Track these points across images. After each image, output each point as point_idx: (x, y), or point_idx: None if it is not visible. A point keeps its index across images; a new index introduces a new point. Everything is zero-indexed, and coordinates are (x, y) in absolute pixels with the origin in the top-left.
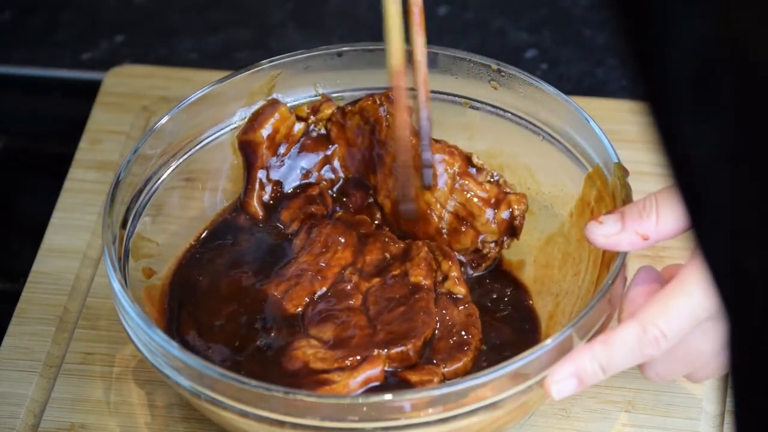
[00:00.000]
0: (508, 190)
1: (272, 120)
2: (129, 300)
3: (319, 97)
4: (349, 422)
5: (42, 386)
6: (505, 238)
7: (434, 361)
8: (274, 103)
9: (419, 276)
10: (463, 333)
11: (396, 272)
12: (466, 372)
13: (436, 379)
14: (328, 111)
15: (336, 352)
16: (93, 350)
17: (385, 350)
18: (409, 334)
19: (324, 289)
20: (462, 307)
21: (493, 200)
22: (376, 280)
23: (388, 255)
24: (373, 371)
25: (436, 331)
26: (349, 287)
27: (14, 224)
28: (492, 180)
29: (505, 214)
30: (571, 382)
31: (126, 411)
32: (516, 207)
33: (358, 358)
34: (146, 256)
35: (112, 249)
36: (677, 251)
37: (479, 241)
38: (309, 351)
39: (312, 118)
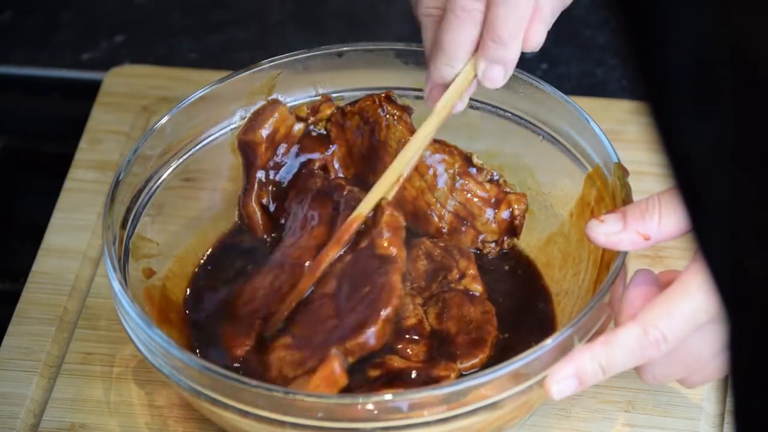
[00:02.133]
0: (508, 189)
1: (272, 120)
2: (129, 300)
3: (319, 97)
4: (349, 422)
5: (42, 386)
6: (506, 237)
7: (452, 358)
8: (273, 103)
9: (383, 244)
10: (480, 329)
11: (364, 244)
12: (483, 368)
13: (453, 375)
14: (327, 111)
15: (303, 352)
16: (93, 350)
17: (341, 346)
18: (367, 320)
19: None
20: (479, 304)
21: (493, 200)
22: (348, 258)
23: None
24: (330, 371)
25: (449, 326)
26: (325, 270)
27: (14, 224)
28: (492, 180)
29: (505, 214)
30: (572, 382)
31: (126, 411)
32: (516, 207)
33: (317, 359)
34: (146, 256)
35: (112, 249)
36: (677, 251)
37: (479, 240)
38: (282, 354)
39: (311, 118)
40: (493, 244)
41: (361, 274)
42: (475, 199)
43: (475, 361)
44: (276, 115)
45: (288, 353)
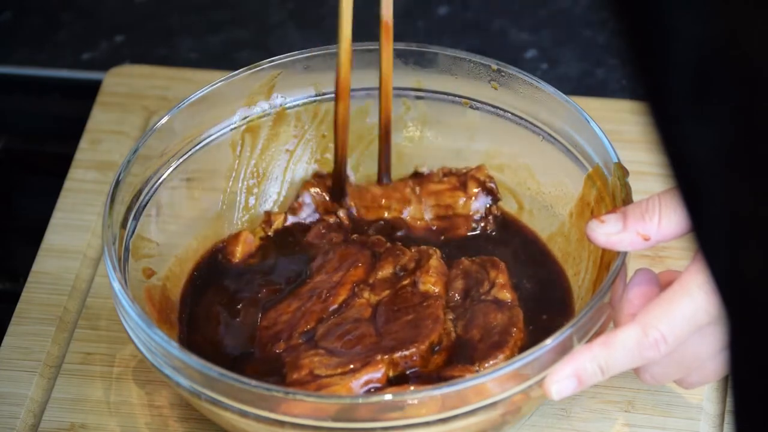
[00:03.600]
0: (464, 170)
1: (238, 249)
2: (129, 300)
3: (318, 98)
4: (349, 422)
5: (42, 386)
6: (490, 203)
7: (470, 361)
8: (237, 235)
9: (428, 284)
10: (503, 333)
11: (406, 282)
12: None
13: (467, 376)
14: (278, 221)
15: (341, 358)
16: (93, 350)
17: (388, 355)
18: (413, 339)
19: (335, 305)
20: (507, 310)
21: (457, 184)
22: (386, 293)
23: (399, 268)
24: (374, 374)
25: (475, 334)
26: (359, 302)
27: (14, 224)
28: (447, 174)
29: (474, 189)
30: (571, 383)
31: (126, 411)
32: (479, 176)
33: (361, 362)
34: (146, 256)
35: (112, 249)
36: (677, 251)
37: (473, 222)
38: (315, 359)
39: (269, 232)
40: (485, 216)
41: (403, 305)
42: (444, 194)
43: (495, 361)
44: (240, 244)
45: (323, 358)
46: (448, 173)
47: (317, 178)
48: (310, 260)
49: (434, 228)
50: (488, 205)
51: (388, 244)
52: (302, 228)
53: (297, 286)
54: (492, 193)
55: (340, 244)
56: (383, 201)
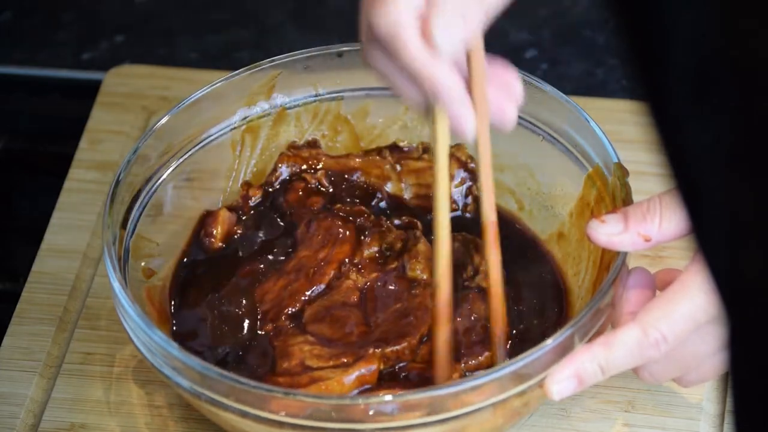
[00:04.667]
0: None
1: (218, 230)
2: (129, 300)
3: (318, 97)
4: (348, 423)
5: (42, 386)
6: (470, 184)
7: (456, 358)
8: (215, 214)
9: (416, 270)
10: (488, 327)
11: (393, 266)
12: (489, 366)
13: (455, 376)
14: (257, 196)
15: (332, 349)
16: (93, 350)
17: (380, 349)
18: (403, 332)
19: (323, 285)
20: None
21: None
22: (373, 275)
23: (384, 246)
24: (367, 369)
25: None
26: (346, 284)
27: (14, 224)
28: (426, 151)
29: (455, 168)
30: (571, 383)
31: (126, 411)
32: (460, 155)
33: (354, 356)
34: (146, 256)
35: (112, 249)
36: (677, 251)
37: (453, 203)
38: (306, 348)
39: (248, 207)
40: (468, 198)
41: (391, 293)
42: (426, 173)
43: (481, 359)
44: (220, 224)
45: (314, 347)
46: (428, 149)
47: (293, 149)
48: (292, 229)
49: (413, 206)
50: (469, 186)
51: (372, 217)
52: (280, 191)
53: (283, 260)
54: (472, 174)
55: (322, 214)
56: (361, 175)
